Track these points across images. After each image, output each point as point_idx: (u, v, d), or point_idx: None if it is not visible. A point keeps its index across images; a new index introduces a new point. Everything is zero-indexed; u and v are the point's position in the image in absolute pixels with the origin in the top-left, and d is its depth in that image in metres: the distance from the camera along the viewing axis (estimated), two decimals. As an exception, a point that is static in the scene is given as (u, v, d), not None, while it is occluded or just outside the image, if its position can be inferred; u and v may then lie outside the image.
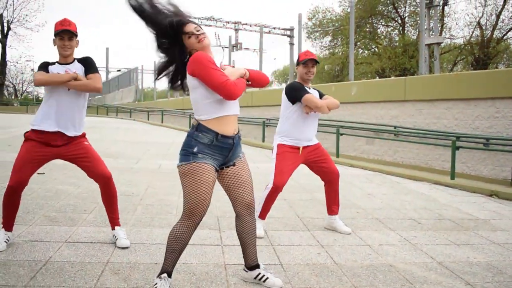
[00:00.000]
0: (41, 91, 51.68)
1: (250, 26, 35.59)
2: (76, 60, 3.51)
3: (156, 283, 2.67)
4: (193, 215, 2.66)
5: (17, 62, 46.26)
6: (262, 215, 4.20)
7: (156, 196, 5.49)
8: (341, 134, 10.94)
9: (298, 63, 4.17)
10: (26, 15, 51.53)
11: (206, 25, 34.61)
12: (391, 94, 11.39)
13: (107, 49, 43.65)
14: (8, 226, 3.46)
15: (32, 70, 49.95)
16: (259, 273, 2.96)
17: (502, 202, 6.27)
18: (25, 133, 3.47)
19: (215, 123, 2.66)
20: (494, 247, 4.07)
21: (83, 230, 3.93)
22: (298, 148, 4.17)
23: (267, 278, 2.94)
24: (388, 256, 3.71)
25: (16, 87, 53.75)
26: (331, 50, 39.09)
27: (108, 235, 3.82)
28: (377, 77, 40.13)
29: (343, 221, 4.61)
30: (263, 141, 13.99)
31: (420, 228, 4.64)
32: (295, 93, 4.09)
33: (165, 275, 2.70)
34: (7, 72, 44.87)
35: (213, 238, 3.92)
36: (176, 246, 2.70)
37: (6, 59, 41.64)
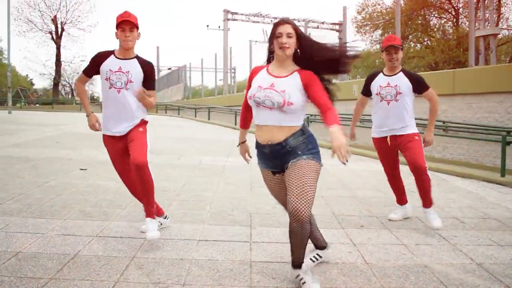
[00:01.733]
0: (96, 89, 53.46)
1: (298, 21, 35.27)
2: (137, 58, 3.54)
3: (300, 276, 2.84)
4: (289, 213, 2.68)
5: (71, 62, 48.15)
6: (398, 201, 4.67)
7: (192, 192, 5.52)
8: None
9: (382, 50, 4.27)
10: (79, 16, 53.91)
11: (253, 22, 34.70)
12: (440, 87, 10.92)
13: (157, 47, 44.49)
14: None
15: None
16: (299, 275, 2.86)
17: (555, 202, 5.86)
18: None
19: (256, 129, 2.86)
20: (542, 250, 3.79)
21: (115, 224, 4.00)
22: (385, 138, 4.28)
23: (305, 282, 2.83)
24: (424, 256, 3.53)
25: (73, 86, 56.04)
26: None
27: (138, 230, 3.86)
28: (430, 72, 38.84)
29: (381, 218, 4.49)
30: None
31: (462, 228, 4.40)
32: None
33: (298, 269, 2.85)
34: (63, 72, 46.86)
35: (243, 235, 3.87)
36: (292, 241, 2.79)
37: (61, 59, 43.42)
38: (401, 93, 4.10)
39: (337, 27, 36.11)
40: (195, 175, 6.75)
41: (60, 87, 46.30)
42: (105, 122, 3.61)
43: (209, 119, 22.55)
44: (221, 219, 4.31)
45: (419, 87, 4.18)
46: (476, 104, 10.13)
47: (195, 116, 24.64)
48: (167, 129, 15.80)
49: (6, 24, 27.17)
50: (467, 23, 33.22)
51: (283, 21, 2.73)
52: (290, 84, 2.69)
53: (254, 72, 2.88)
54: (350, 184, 6.42)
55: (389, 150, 4.34)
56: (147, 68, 3.55)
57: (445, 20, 35.40)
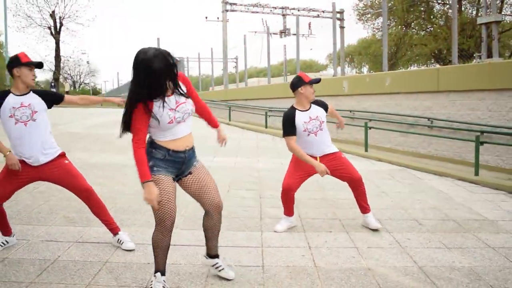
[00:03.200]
0: (98, 81, 53.94)
1: (298, 10, 35.35)
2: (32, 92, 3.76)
3: (152, 281, 3.08)
4: (162, 221, 3.00)
5: (70, 57, 48.24)
6: (286, 212, 4.66)
7: (172, 195, 5.88)
8: (369, 128, 10.95)
9: (303, 83, 4.41)
10: (77, 10, 54.42)
11: (252, 12, 34.73)
12: (424, 84, 11.22)
13: (158, 39, 44.69)
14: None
15: (88, 62, 52.43)
16: (217, 263, 3.39)
17: (522, 201, 6.17)
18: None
19: (166, 142, 2.99)
20: (486, 251, 4.13)
21: (95, 230, 4.38)
22: (316, 157, 4.50)
23: (223, 268, 3.38)
24: (371, 259, 3.88)
25: (74, 79, 56.55)
26: (384, 32, 38.06)
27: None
28: (433, 60, 38.77)
29: (343, 221, 4.84)
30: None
31: (418, 230, 4.74)
32: (283, 127, 4.50)
33: (158, 274, 3.08)
34: (65, 65, 47.21)
35: (209, 239, 4.25)
36: (157, 250, 3.07)
37: (60, 54, 43.67)
38: (323, 121, 4.49)
39: (338, 15, 36.14)
40: (180, 177, 7.10)
41: (62, 79, 46.59)
42: (16, 150, 3.73)
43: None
44: (193, 224, 4.68)
45: (326, 108, 4.58)
46: (459, 101, 10.39)
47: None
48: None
49: (3, 21, 27.27)
50: (471, 9, 33.18)
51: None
52: (180, 94, 3.01)
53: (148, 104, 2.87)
54: (326, 185, 6.75)
55: (313, 168, 4.44)
56: (44, 94, 3.83)
57: (448, 6, 35.19)
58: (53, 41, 42.93)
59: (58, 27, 42.65)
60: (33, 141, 3.69)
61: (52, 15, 42.10)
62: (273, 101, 18.49)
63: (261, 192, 6.29)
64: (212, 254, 3.40)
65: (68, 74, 54.54)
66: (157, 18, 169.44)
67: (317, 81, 4.43)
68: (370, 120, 11.30)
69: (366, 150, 10.05)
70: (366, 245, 4.23)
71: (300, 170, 4.52)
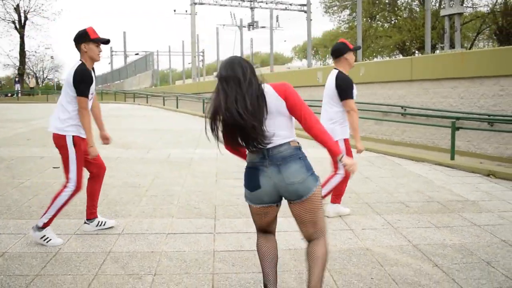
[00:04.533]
0: (63, 77, 52.73)
1: (266, 3, 35.48)
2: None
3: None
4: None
5: (35, 52, 46.41)
6: (339, 199, 4.69)
7: (162, 187, 5.87)
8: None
9: (349, 50, 4.36)
10: (42, 4, 52.55)
11: (221, 5, 34.61)
12: (399, 74, 11.52)
13: (124, 33, 43.98)
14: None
15: (52, 57, 50.96)
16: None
17: (497, 182, 6.44)
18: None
19: None
20: (473, 229, 4.33)
21: (91, 222, 4.35)
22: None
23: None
24: (368, 240, 4.02)
25: (37, 74, 54.94)
26: (350, 24, 38.71)
27: (112, 226, 4.23)
28: (397, 51, 39.65)
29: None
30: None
31: (406, 212, 4.91)
32: (347, 90, 4.36)
33: None
34: (27, 61, 45.68)
35: (207, 227, 4.29)
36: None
37: (25, 49, 42.31)
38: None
39: (304, 8, 36.40)
40: (164, 169, 7.09)
41: (25, 76, 45.07)
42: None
43: (177, 107, 22.61)
44: (188, 213, 4.72)
45: None
46: (432, 90, 10.73)
47: (164, 105, 24.65)
48: (135, 120, 15.89)
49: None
50: (433, 1, 34.06)
51: None
52: None
53: None
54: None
55: None
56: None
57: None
58: (18, 35, 41.47)
59: (22, 21, 41.20)
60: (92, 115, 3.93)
61: (17, 8, 40.63)
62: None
63: (249, 181, 6.34)
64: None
65: (31, 69, 52.88)
66: (124, 11, 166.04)
67: (359, 48, 4.48)
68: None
69: (343, 139, 10.25)
70: (360, 227, 4.37)
71: (349, 153, 4.44)
